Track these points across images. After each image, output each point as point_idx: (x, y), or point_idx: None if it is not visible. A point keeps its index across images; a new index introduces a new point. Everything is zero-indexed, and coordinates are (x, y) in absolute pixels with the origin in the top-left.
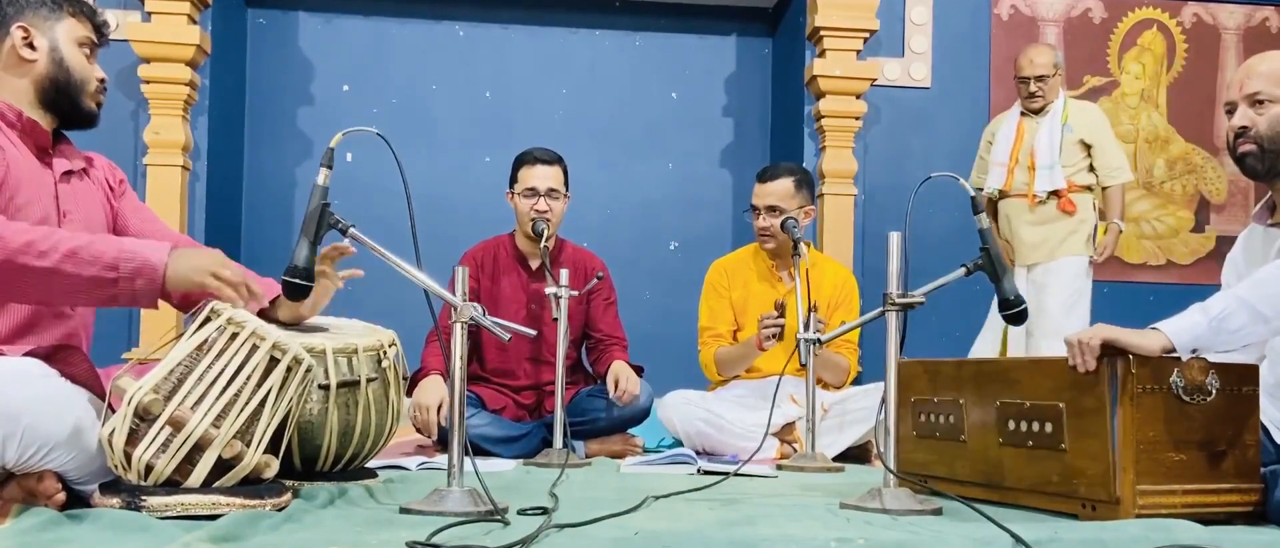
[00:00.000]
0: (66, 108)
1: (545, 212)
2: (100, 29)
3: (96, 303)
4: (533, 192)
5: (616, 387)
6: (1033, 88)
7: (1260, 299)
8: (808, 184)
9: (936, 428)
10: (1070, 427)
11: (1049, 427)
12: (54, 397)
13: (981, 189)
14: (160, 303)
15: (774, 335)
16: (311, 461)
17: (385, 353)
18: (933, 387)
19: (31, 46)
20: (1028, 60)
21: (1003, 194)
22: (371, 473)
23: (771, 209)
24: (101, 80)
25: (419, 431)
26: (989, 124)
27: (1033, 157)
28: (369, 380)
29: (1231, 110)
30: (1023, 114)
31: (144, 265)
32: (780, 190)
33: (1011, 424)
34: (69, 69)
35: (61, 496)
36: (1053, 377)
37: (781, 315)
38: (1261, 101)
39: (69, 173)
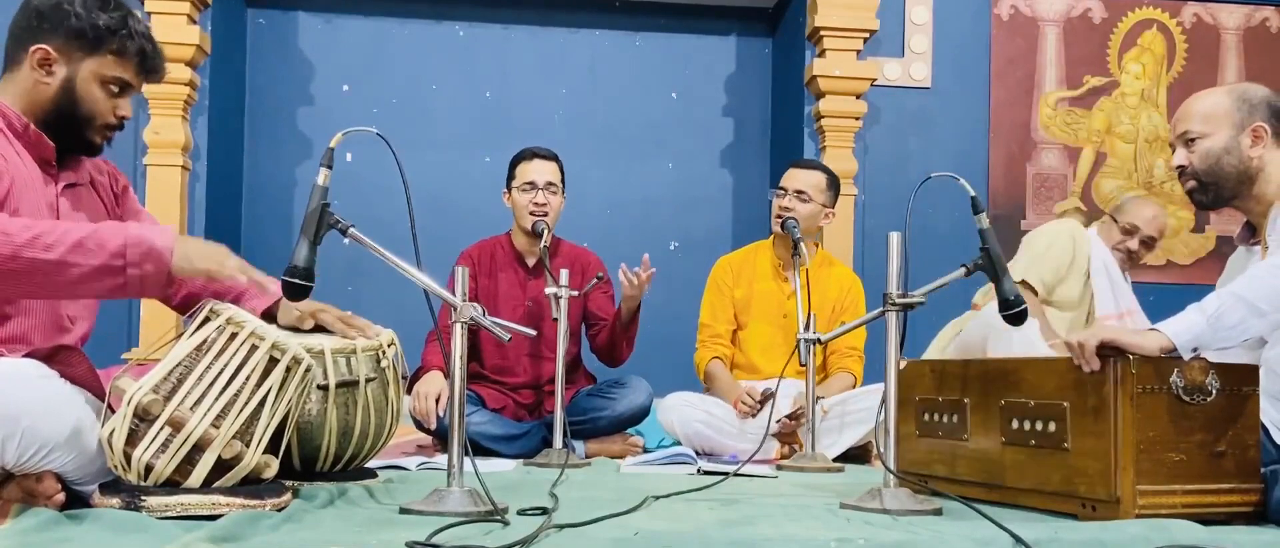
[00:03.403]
0: (66, 135)
1: (543, 205)
2: (148, 73)
3: (105, 292)
4: (531, 185)
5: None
6: (1133, 244)
7: (1255, 294)
8: (835, 187)
9: (939, 427)
10: (1074, 425)
11: (1052, 426)
12: (53, 398)
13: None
14: (159, 306)
15: (747, 415)
16: (311, 461)
17: (384, 353)
18: (938, 386)
19: (48, 71)
20: (1151, 215)
21: None
22: (371, 473)
23: (800, 193)
24: (120, 118)
25: (418, 422)
26: (1080, 238)
27: None
28: (368, 380)
29: (1175, 149)
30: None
31: (151, 250)
32: (813, 180)
33: (1015, 423)
34: (77, 103)
35: (61, 496)
36: (1058, 375)
37: (760, 406)
38: (1193, 140)
39: (73, 184)
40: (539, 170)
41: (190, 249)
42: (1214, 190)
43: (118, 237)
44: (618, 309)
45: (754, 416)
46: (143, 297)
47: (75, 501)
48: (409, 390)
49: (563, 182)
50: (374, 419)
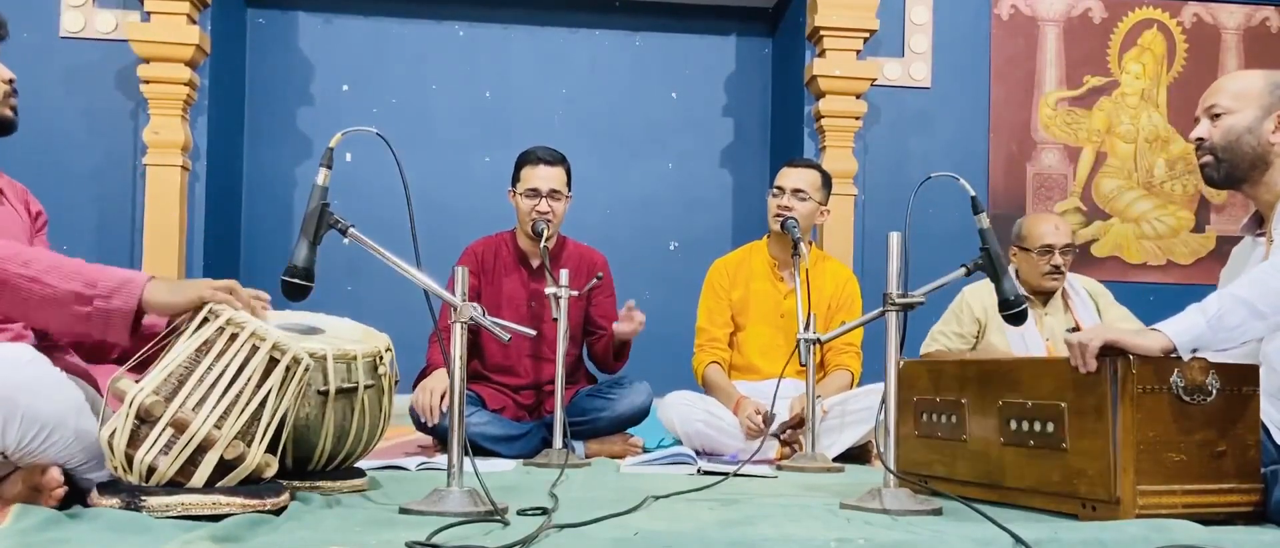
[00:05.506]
0: None
1: (546, 213)
2: None
3: (68, 321)
4: (535, 192)
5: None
6: (1059, 259)
7: (1256, 296)
8: (829, 184)
9: (938, 428)
10: (1072, 426)
11: (1051, 427)
12: (48, 378)
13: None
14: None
15: (755, 435)
16: (305, 461)
17: (381, 359)
18: (935, 387)
19: None
20: (1052, 226)
21: None
22: (360, 473)
23: (798, 191)
24: (10, 82)
25: (417, 419)
26: (971, 298)
27: None
28: (366, 388)
29: (1198, 121)
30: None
31: (124, 284)
32: (809, 178)
33: (1013, 424)
34: None
35: (64, 489)
36: (1055, 377)
37: (761, 429)
38: (1218, 115)
39: None
40: (543, 177)
41: (165, 286)
42: (1227, 167)
43: (94, 268)
44: (612, 329)
45: (760, 437)
46: (105, 337)
47: (75, 498)
48: (414, 388)
49: (569, 184)
50: (368, 422)
